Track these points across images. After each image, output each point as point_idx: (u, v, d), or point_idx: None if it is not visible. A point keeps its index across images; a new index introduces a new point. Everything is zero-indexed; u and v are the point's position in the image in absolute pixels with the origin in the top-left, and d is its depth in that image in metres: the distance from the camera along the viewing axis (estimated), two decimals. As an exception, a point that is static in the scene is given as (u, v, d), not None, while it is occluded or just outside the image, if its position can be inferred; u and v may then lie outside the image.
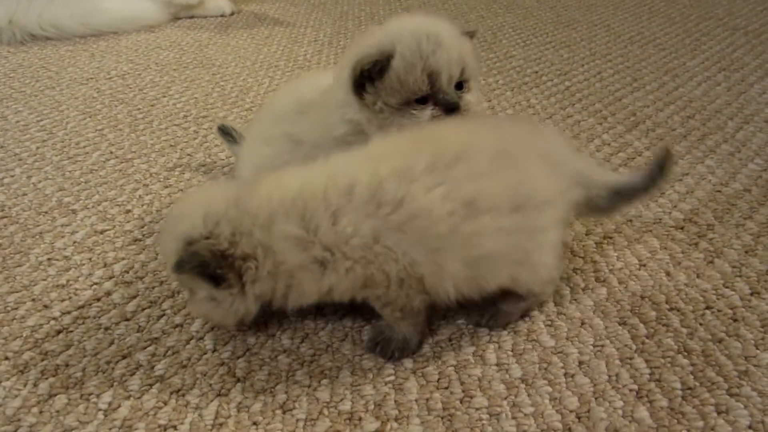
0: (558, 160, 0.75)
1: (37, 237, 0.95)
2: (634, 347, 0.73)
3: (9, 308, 0.80)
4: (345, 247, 0.66)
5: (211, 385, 0.69)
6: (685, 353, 0.72)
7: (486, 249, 0.67)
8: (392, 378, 0.70)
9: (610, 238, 0.94)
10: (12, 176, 1.13)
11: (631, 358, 0.72)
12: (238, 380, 0.70)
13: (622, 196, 0.80)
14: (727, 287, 0.84)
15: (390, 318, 0.72)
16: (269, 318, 0.78)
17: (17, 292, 0.84)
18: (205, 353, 0.74)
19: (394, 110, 0.81)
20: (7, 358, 0.73)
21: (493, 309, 0.76)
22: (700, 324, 0.77)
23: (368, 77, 0.80)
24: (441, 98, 0.81)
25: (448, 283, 0.69)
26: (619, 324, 0.77)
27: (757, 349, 0.73)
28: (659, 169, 0.79)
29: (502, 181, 0.69)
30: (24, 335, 0.76)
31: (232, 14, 2.27)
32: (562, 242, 0.76)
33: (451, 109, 0.81)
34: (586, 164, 0.82)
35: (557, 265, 0.76)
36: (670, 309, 0.79)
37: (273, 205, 0.68)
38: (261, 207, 0.68)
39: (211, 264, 0.66)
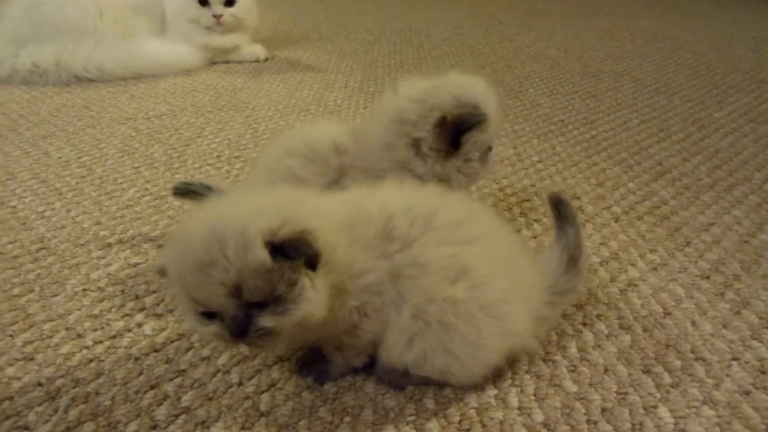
0: None
1: (74, 268, 0.98)
2: (658, 396, 0.73)
3: (44, 336, 0.83)
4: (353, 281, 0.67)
5: (235, 418, 0.70)
6: (711, 404, 0.72)
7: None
8: (413, 418, 0.70)
9: (635, 285, 0.94)
10: (52, 209, 1.17)
11: (655, 407, 0.71)
12: (262, 414, 0.71)
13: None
14: (754, 338, 0.83)
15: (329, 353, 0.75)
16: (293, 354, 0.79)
17: (53, 320, 0.86)
18: (230, 386, 0.75)
19: (478, 160, 0.93)
20: (40, 384, 0.75)
21: None
22: (727, 375, 0.76)
23: (465, 131, 0.88)
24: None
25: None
26: (644, 372, 0.77)
27: (785, 402, 0.72)
28: (561, 216, 0.82)
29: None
30: (57, 362, 0.78)
31: (266, 60, 2.34)
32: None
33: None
34: None
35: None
36: (696, 359, 0.79)
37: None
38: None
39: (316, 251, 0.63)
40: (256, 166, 1.06)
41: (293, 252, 0.61)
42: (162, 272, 0.66)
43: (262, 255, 0.60)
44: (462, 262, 0.68)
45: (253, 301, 0.61)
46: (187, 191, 1.00)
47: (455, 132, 0.88)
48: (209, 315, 0.63)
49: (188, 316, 0.65)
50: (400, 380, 0.74)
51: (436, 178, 0.90)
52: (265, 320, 0.62)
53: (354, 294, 0.67)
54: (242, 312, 0.62)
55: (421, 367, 0.70)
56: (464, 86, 0.90)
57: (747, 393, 0.73)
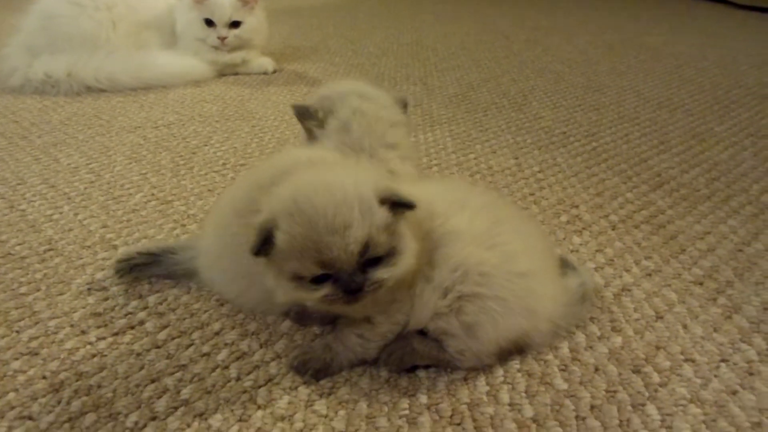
0: None
1: (80, 268, 1.01)
2: (646, 394, 0.74)
3: (50, 332, 0.85)
4: None
5: (233, 410, 0.72)
6: (698, 403, 0.73)
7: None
8: (406, 412, 0.72)
9: (629, 290, 0.96)
10: (60, 213, 1.20)
11: (643, 405, 0.73)
12: (259, 407, 0.73)
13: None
14: (744, 342, 0.84)
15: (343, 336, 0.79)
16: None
17: (58, 317, 0.89)
18: (229, 381, 0.77)
19: None
20: (44, 377, 0.77)
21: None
22: (715, 376, 0.78)
23: None
24: None
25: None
26: (633, 371, 0.78)
27: (772, 402, 0.73)
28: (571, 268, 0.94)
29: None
30: (61, 357, 0.81)
31: (274, 72, 2.38)
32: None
33: None
34: None
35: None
36: (685, 360, 0.80)
37: None
38: None
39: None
40: (220, 202, 1.00)
41: (403, 204, 0.69)
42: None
43: (384, 212, 0.68)
44: (494, 234, 0.77)
45: (371, 257, 0.68)
46: (131, 268, 0.97)
47: None
48: (318, 280, 0.68)
49: (291, 287, 0.70)
50: (406, 358, 0.77)
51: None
52: (381, 273, 0.68)
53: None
54: (359, 269, 0.68)
55: (450, 319, 0.74)
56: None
57: (734, 393, 0.74)
